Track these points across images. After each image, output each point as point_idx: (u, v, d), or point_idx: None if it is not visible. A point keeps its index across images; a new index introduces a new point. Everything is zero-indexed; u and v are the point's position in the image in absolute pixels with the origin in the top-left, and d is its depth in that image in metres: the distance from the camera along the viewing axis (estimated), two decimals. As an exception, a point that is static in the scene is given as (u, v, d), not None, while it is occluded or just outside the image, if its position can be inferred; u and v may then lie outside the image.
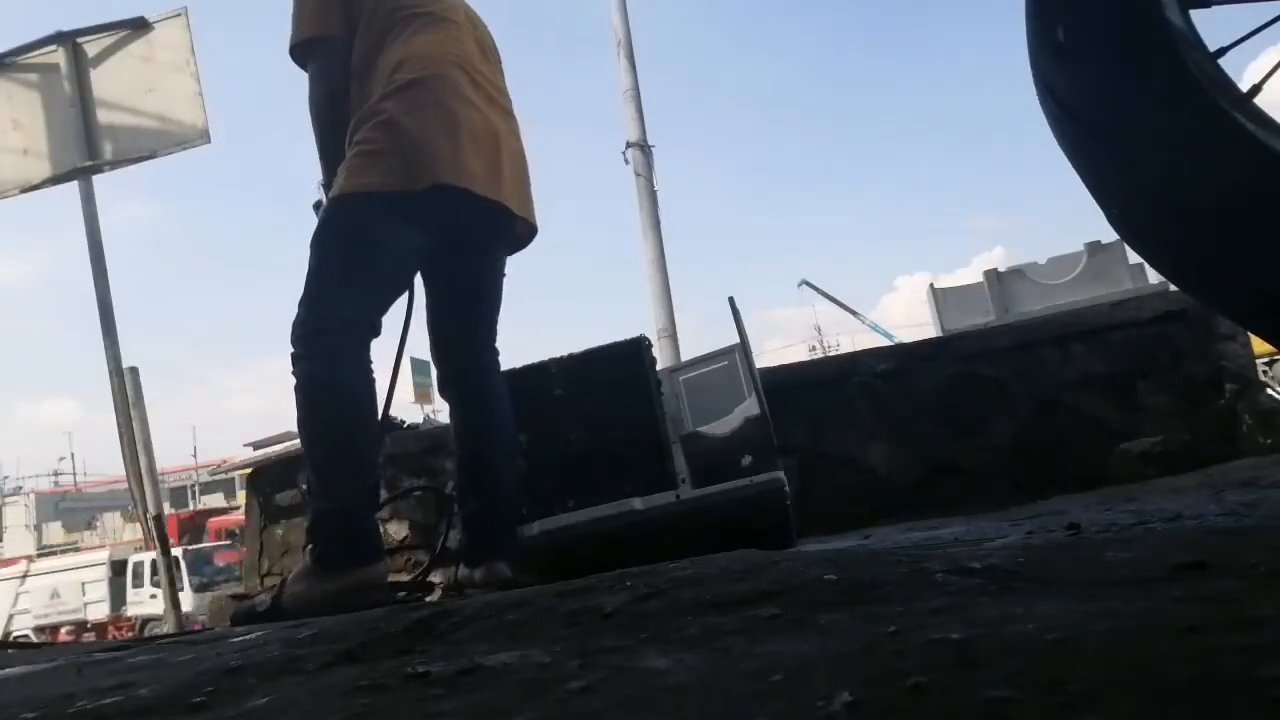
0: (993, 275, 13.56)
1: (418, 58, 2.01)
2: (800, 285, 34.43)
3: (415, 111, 1.95)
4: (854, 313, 34.31)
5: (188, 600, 14.67)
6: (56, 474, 49.79)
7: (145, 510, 3.58)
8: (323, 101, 2.06)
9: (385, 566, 1.91)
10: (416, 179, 1.90)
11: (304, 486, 3.06)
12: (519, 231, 2.24)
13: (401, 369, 2.33)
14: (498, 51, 2.35)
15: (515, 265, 2.33)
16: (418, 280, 2.17)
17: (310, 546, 1.86)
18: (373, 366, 1.97)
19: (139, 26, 3.70)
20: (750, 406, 2.25)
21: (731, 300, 2.31)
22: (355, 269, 1.95)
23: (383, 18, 2.05)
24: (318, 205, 2.15)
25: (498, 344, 2.26)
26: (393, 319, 2.16)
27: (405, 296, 2.18)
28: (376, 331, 2.00)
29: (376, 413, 1.99)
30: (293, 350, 1.90)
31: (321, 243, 1.97)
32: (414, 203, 1.91)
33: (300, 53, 2.09)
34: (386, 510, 3.18)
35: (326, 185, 2.10)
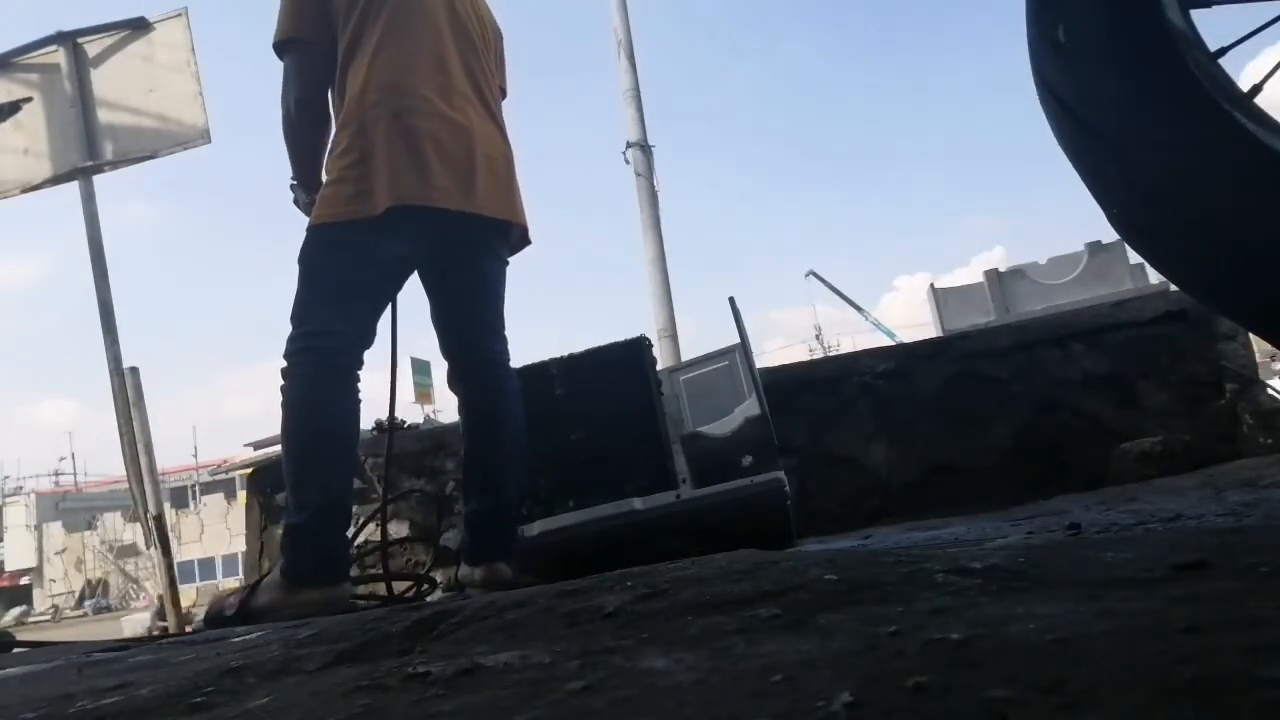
0: (993, 275, 13.56)
1: (385, 70, 2.03)
2: (807, 276, 34.60)
3: (376, 135, 1.99)
4: (858, 308, 34.39)
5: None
6: (57, 474, 49.89)
7: (145, 510, 3.58)
8: (288, 102, 2.12)
9: (348, 588, 1.99)
10: (375, 204, 1.95)
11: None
12: (512, 235, 2.24)
13: (402, 369, 2.35)
14: (488, 32, 2.32)
15: (516, 265, 2.33)
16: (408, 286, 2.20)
17: (281, 559, 1.93)
18: (360, 386, 2.01)
19: (139, 26, 3.71)
20: (750, 406, 2.24)
21: (732, 300, 2.31)
22: (337, 285, 2.00)
23: (359, 11, 2.07)
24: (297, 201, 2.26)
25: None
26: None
27: (391, 306, 2.21)
28: (368, 341, 2.04)
29: (357, 433, 2.04)
30: (283, 365, 1.97)
31: (304, 265, 2.03)
32: (378, 223, 1.96)
33: (278, 51, 2.14)
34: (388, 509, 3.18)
35: (296, 181, 2.22)
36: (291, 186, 2.24)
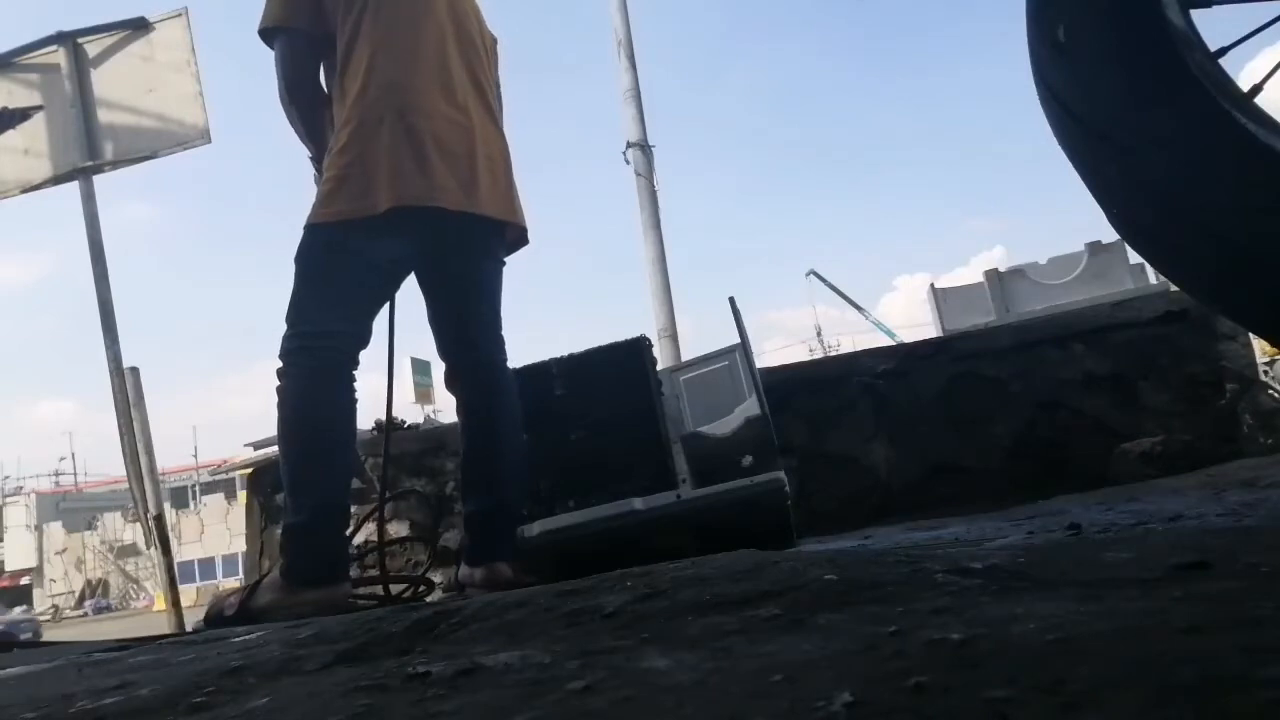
0: (993, 275, 13.56)
1: (386, 69, 2.03)
2: (808, 275, 34.75)
3: (377, 134, 1.98)
4: (859, 307, 34.46)
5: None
6: (57, 474, 49.98)
7: (145, 510, 3.58)
8: (282, 89, 2.13)
9: (347, 588, 2.00)
10: (375, 204, 1.95)
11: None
12: (509, 235, 2.24)
13: (402, 369, 2.35)
14: (483, 37, 2.31)
15: (517, 265, 2.33)
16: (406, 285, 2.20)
17: (281, 559, 1.94)
18: (356, 384, 2.02)
19: (139, 26, 3.70)
20: (750, 406, 2.24)
21: (732, 300, 2.31)
22: (333, 285, 2.00)
23: (358, 9, 2.07)
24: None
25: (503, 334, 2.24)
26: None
27: (387, 306, 2.21)
28: (364, 341, 2.05)
29: (354, 433, 2.04)
30: (278, 365, 1.97)
31: (300, 264, 2.03)
32: (378, 222, 1.95)
33: (265, 38, 2.14)
34: (387, 509, 3.18)
35: (312, 159, 2.20)
36: (310, 160, 2.23)
